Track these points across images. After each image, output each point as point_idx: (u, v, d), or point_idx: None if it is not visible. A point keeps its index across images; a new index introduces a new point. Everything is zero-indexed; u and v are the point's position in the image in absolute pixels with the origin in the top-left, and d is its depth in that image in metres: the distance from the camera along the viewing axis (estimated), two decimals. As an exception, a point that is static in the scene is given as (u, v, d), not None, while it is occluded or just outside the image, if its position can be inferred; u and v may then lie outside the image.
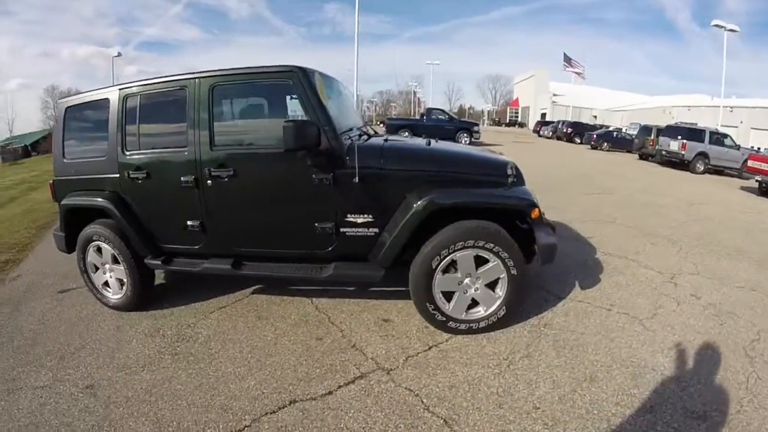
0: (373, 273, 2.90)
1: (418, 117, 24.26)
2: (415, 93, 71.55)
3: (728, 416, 2.22)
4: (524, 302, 3.14)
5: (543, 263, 2.88)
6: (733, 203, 8.83)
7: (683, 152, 14.14)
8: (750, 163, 11.03)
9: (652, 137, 16.44)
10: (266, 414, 2.24)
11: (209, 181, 2.96)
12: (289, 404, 2.31)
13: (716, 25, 21.97)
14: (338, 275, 2.95)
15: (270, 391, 2.42)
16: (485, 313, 2.90)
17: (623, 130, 23.30)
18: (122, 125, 3.18)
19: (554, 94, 50.41)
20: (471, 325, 2.91)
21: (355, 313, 3.37)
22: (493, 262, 2.77)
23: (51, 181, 3.64)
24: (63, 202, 3.48)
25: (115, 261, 3.38)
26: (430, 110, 21.99)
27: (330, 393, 2.40)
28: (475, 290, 2.87)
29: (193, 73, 3.02)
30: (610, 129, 24.46)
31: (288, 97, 3.13)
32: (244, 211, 3.06)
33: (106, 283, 3.53)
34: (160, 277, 3.96)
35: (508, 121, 63.68)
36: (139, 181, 3.14)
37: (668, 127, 16.07)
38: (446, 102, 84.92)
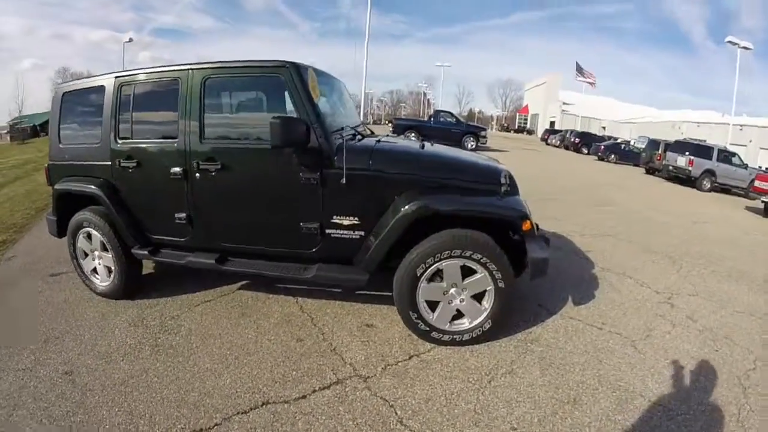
0: (356, 277, 2.81)
1: (426, 118, 24.04)
2: (425, 94, 71.40)
3: (715, 452, 2.10)
4: (512, 316, 3.04)
5: (533, 278, 2.77)
6: (738, 223, 8.64)
7: (690, 168, 13.94)
8: (757, 183, 10.84)
9: (660, 152, 16.22)
10: (237, 414, 2.20)
11: (197, 174, 2.93)
12: (261, 405, 2.26)
13: (730, 42, 21.65)
14: (321, 277, 2.87)
15: (244, 391, 2.37)
16: (470, 325, 2.79)
17: (631, 143, 23.01)
18: (116, 113, 3.17)
19: (564, 103, 50.04)
20: (455, 336, 2.81)
21: (339, 315, 3.28)
22: (481, 274, 2.67)
23: (46, 165, 3.65)
24: (56, 187, 3.49)
25: (104, 248, 3.38)
26: (437, 112, 21.84)
27: (304, 397, 2.34)
28: (460, 301, 2.76)
29: (187, 64, 2.99)
30: (618, 141, 24.19)
31: (285, 93, 3.04)
32: (231, 205, 3.01)
33: (95, 270, 3.52)
34: (150, 267, 3.93)
35: (516, 127, 63.34)
36: (130, 170, 3.12)
37: (676, 142, 15.86)
38: (456, 105, 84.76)
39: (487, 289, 2.71)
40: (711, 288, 4.32)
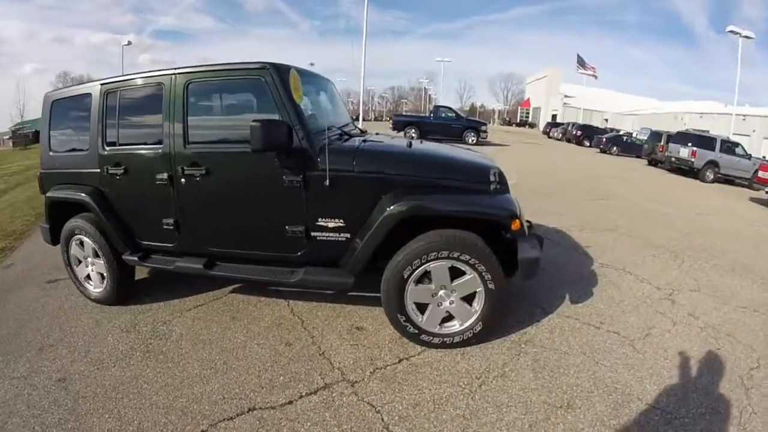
0: (343, 280, 2.74)
1: (427, 114, 23.85)
2: (426, 90, 71.05)
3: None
4: (506, 316, 2.95)
5: (524, 278, 2.66)
6: (741, 214, 8.46)
7: (693, 160, 13.69)
8: (761, 173, 10.65)
9: (662, 143, 15.96)
10: (223, 420, 2.17)
11: (183, 179, 2.91)
12: (248, 411, 2.23)
13: (731, 31, 21.25)
14: (307, 280, 2.80)
15: (231, 397, 2.34)
16: (460, 327, 2.70)
17: (633, 135, 22.72)
18: (103, 120, 3.16)
19: (566, 96, 49.57)
20: (445, 339, 2.72)
21: (329, 318, 3.21)
22: (470, 275, 2.57)
23: (38, 174, 3.64)
24: (48, 195, 3.50)
25: (96, 255, 3.39)
26: (437, 108, 21.68)
27: (290, 402, 2.30)
28: (450, 303, 2.67)
29: (170, 69, 2.97)
30: (620, 133, 23.88)
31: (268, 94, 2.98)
32: (216, 210, 2.97)
33: (88, 277, 3.51)
34: (144, 272, 3.90)
35: (518, 121, 62.96)
36: (118, 177, 3.10)
37: (678, 133, 15.57)
38: (458, 100, 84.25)
39: (477, 290, 2.61)
40: (714, 283, 4.19)
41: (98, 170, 3.18)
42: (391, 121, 22.87)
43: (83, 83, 3.54)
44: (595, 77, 41.12)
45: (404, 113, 46.33)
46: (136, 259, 3.19)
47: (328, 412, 2.22)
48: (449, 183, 2.73)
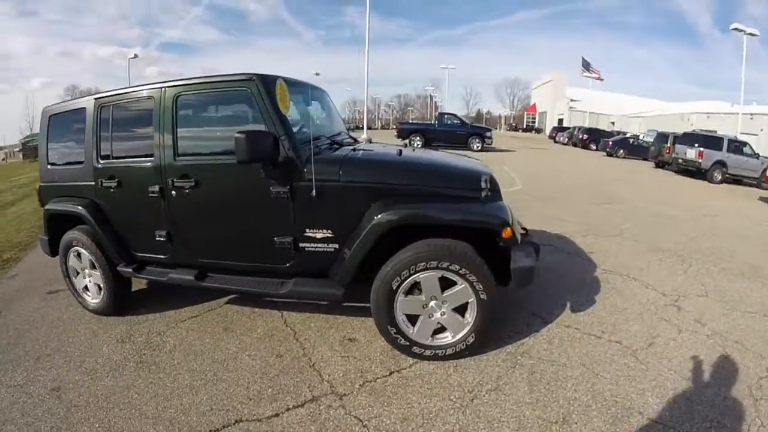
0: (332, 291, 2.66)
1: (432, 121, 23.76)
2: (432, 97, 71.11)
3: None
4: (503, 326, 2.85)
5: (518, 288, 2.56)
6: (750, 215, 8.19)
7: (700, 160, 13.37)
8: (770, 172, 10.33)
9: (669, 145, 15.66)
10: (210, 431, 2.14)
11: (173, 191, 2.90)
12: (234, 423, 2.19)
13: (735, 29, 20.89)
14: (296, 292, 2.74)
15: (219, 408, 2.31)
16: (453, 339, 2.60)
17: (640, 137, 22.39)
18: (97, 134, 3.18)
19: (571, 100, 49.15)
20: (437, 351, 2.61)
21: (322, 329, 3.13)
22: (461, 286, 2.47)
23: (37, 187, 3.69)
24: (46, 208, 3.54)
25: (93, 267, 3.41)
26: (442, 115, 21.63)
27: (277, 415, 2.25)
28: (441, 314, 2.57)
29: (160, 82, 2.96)
30: (627, 136, 23.54)
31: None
32: (206, 222, 2.95)
33: (86, 288, 3.53)
34: (142, 283, 3.88)
35: (525, 126, 62.51)
36: (112, 190, 3.12)
37: (685, 134, 15.27)
38: (464, 107, 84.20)
39: (469, 301, 2.51)
40: (722, 287, 4.02)
41: (93, 183, 3.20)
42: (396, 129, 22.84)
43: (77, 98, 3.65)
44: (601, 79, 40.70)
45: (410, 121, 46.43)
46: (130, 270, 3.19)
47: (314, 426, 2.16)
48: (439, 191, 2.64)
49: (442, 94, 62.27)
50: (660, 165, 16.52)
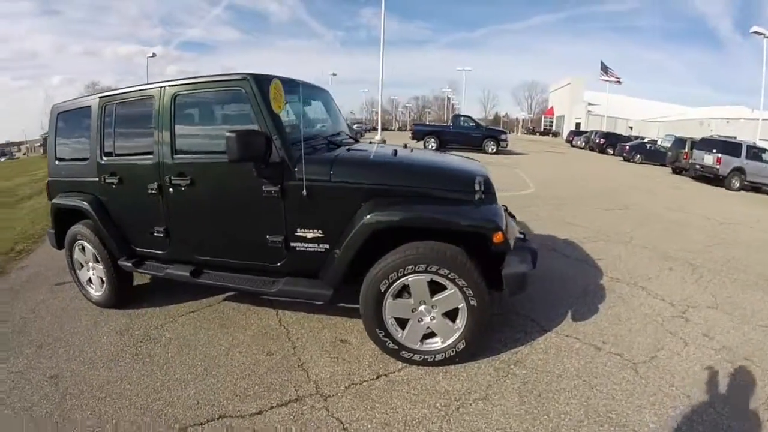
0: (321, 292, 2.60)
1: (448, 123, 23.50)
2: (449, 99, 70.55)
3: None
4: (499, 333, 2.74)
5: (510, 295, 2.42)
6: (769, 225, 7.81)
7: (718, 167, 12.79)
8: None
9: (687, 150, 15.06)
10: (193, 425, 2.14)
11: (170, 189, 2.90)
12: (218, 418, 2.18)
13: (755, 32, 20.01)
14: (286, 291, 2.68)
15: (205, 402, 2.30)
16: (442, 345, 2.49)
17: (658, 142, 21.67)
18: (101, 131, 3.21)
19: (589, 104, 48.08)
20: (426, 356, 2.51)
21: (315, 329, 3.06)
22: (450, 290, 2.36)
23: (46, 182, 3.75)
24: (53, 202, 3.59)
25: (96, 260, 3.44)
26: (457, 117, 21.37)
27: (260, 413, 2.22)
28: (431, 319, 2.47)
29: (161, 82, 2.97)
30: (644, 141, 22.84)
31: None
32: (201, 219, 2.94)
33: (90, 280, 3.56)
34: (145, 278, 3.89)
35: (542, 129, 61.50)
36: (114, 186, 3.15)
37: (703, 139, 14.60)
38: (482, 109, 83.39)
39: (459, 306, 2.39)
40: (734, 299, 3.79)
41: (97, 179, 3.23)
42: (411, 130, 22.68)
43: (83, 96, 3.61)
44: (619, 82, 39.62)
45: (427, 123, 46.14)
46: (130, 265, 3.21)
47: (294, 425, 2.12)
48: (431, 192, 2.54)
49: (460, 97, 61.69)
50: (677, 171, 15.95)
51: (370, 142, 3.92)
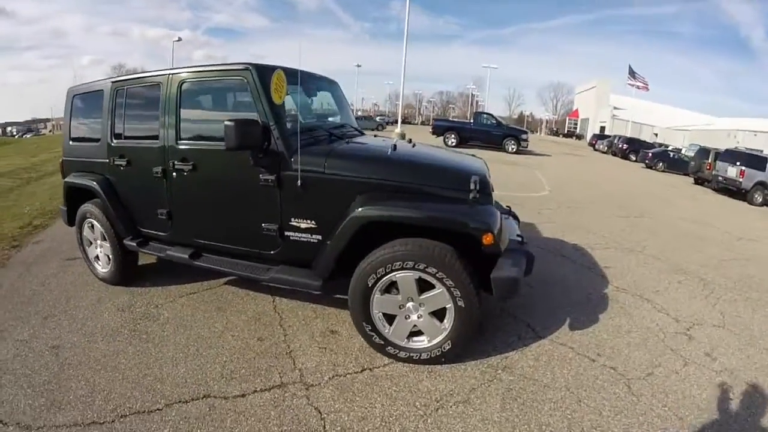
0: (310, 282, 2.57)
1: (470, 120, 23.07)
2: (473, 95, 69.32)
3: None
4: (484, 338, 2.62)
5: (498, 299, 2.32)
6: (792, 243, 7.37)
7: (741, 180, 12.07)
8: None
9: (710, 161, 14.33)
10: (179, 402, 2.18)
11: (174, 173, 2.93)
12: (202, 398, 2.21)
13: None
14: (277, 279, 2.66)
15: (192, 381, 2.34)
16: (428, 344, 2.42)
17: (682, 151, 20.78)
18: (112, 115, 3.26)
19: (615, 108, 46.44)
20: (412, 354, 2.45)
21: (308, 318, 3.03)
22: (438, 290, 2.28)
23: (60, 161, 3.83)
24: (65, 181, 3.67)
25: (104, 238, 3.49)
26: (478, 114, 20.98)
27: (243, 396, 2.23)
28: (418, 317, 2.39)
29: (168, 69, 3.01)
30: (668, 149, 21.92)
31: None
32: (201, 204, 2.96)
33: (97, 257, 3.63)
34: (151, 258, 3.91)
35: (566, 131, 59.87)
36: (122, 168, 3.20)
37: (727, 151, 13.79)
38: (506, 108, 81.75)
39: (447, 306, 2.31)
40: (743, 318, 3.57)
41: (107, 160, 3.29)
42: (431, 125, 22.38)
43: (97, 80, 3.65)
44: (647, 89, 38.10)
45: (449, 118, 45.49)
46: (134, 244, 3.25)
47: (273, 411, 2.12)
48: (424, 188, 2.44)
49: (484, 94, 60.52)
50: (699, 181, 15.25)
51: (375, 136, 3.82)
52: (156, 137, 2.98)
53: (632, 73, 37.35)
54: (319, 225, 2.54)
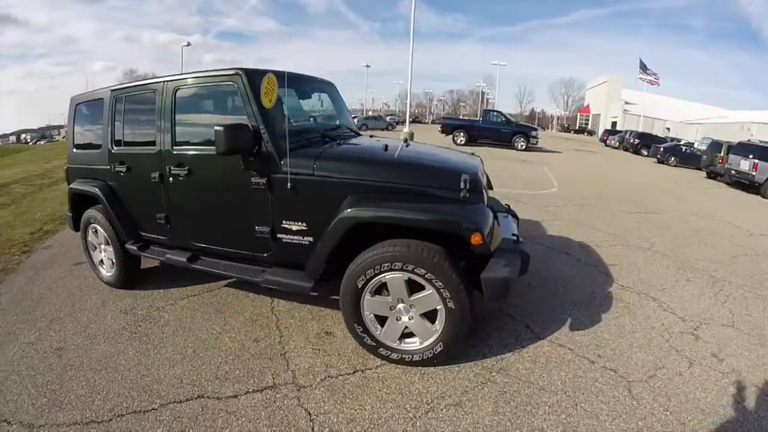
0: (301, 283, 2.53)
1: (479, 118, 22.77)
2: (483, 93, 68.54)
3: None
4: (480, 338, 2.54)
5: (488, 300, 2.22)
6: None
7: (754, 173, 11.51)
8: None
9: (722, 154, 13.79)
10: (173, 402, 2.19)
11: (171, 179, 2.94)
12: (196, 398, 2.22)
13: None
14: (270, 281, 2.63)
15: (188, 382, 2.34)
16: (420, 345, 2.35)
17: (694, 145, 20.12)
18: (112, 122, 3.29)
19: (626, 103, 45.35)
20: (404, 356, 2.39)
21: (304, 320, 3.00)
22: (428, 291, 2.21)
23: (65, 168, 3.87)
24: (70, 187, 3.69)
25: (107, 243, 3.50)
26: (487, 112, 20.69)
27: (235, 396, 2.23)
28: (409, 319, 2.33)
29: (163, 77, 3.02)
30: (680, 143, 21.25)
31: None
32: (196, 208, 2.97)
33: (101, 261, 3.67)
34: (155, 261, 3.91)
35: (577, 127, 58.81)
36: (122, 174, 3.23)
37: (740, 144, 13.16)
38: (517, 105, 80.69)
39: (437, 308, 2.24)
40: (753, 318, 3.38)
41: (108, 167, 3.31)
42: (440, 124, 22.17)
43: (98, 89, 3.68)
44: (658, 83, 37.01)
45: (459, 116, 45.07)
46: (136, 248, 3.27)
47: (264, 411, 2.11)
48: (413, 189, 2.37)
49: (495, 92, 59.75)
50: (711, 176, 14.71)
51: (371, 137, 3.74)
52: (153, 143, 2.99)
53: (643, 67, 36.32)
54: (310, 227, 2.51)
